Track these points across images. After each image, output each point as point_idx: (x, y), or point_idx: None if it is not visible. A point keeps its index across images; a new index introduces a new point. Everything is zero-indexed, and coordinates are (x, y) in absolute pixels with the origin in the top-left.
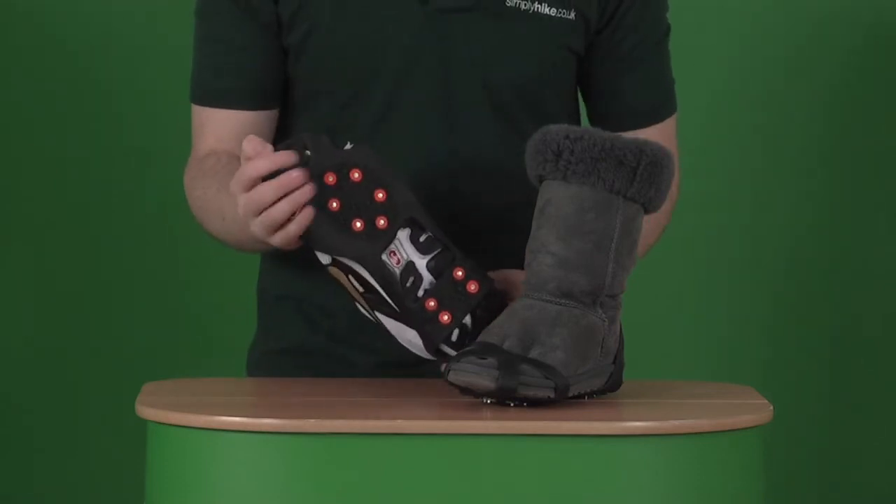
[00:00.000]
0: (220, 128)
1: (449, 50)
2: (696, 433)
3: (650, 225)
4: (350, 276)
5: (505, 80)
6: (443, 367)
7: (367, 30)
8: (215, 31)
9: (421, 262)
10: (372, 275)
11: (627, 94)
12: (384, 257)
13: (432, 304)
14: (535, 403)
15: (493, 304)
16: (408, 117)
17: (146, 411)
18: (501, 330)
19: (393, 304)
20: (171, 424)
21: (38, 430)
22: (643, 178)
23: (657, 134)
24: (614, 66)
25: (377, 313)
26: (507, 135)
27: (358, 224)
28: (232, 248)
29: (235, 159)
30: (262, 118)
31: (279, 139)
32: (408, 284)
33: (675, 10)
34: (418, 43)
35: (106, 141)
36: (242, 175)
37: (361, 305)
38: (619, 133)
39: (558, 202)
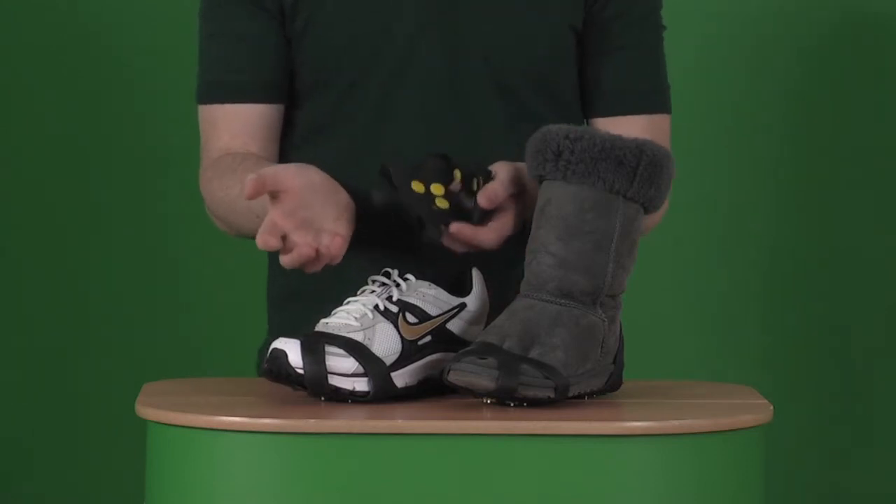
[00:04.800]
0: (233, 123)
1: (453, 31)
2: (696, 433)
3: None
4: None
5: (512, 59)
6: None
7: (370, 13)
8: (222, 26)
9: None
10: None
11: (614, 76)
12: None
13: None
14: (535, 403)
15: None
16: (413, 102)
17: (146, 411)
18: (501, 330)
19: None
20: (171, 424)
21: (39, 429)
22: (643, 178)
23: (647, 127)
24: (603, 45)
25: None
26: (515, 116)
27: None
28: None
29: (251, 155)
30: (273, 112)
31: (283, 129)
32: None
33: None
34: (422, 25)
35: (111, 141)
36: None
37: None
38: (607, 121)
39: (558, 202)
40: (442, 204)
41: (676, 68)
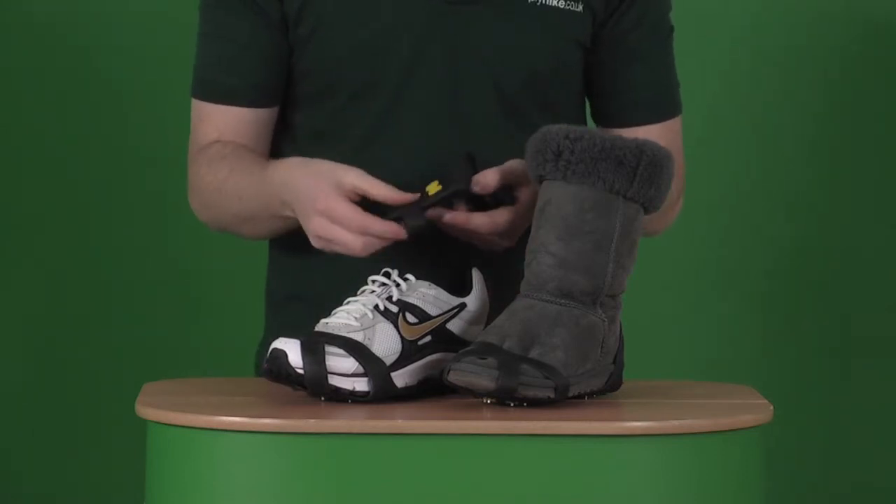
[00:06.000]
0: (223, 123)
1: (457, 43)
2: (696, 433)
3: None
4: None
5: (514, 74)
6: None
7: (374, 23)
8: (220, 26)
9: None
10: None
11: (630, 89)
12: None
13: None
14: (535, 403)
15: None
16: (414, 113)
17: (146, 411)
18: (501, 330)
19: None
20: (171, 424)
21: (39, 430)
22: (643, 178)
23: (660, 133)
24: (617, 59)
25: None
26: (515, 129)
27: None
28: (242, 235)
29: (241, 147)
30: (264, 115)
31: (283, 135)
32: None
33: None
34: (425, 37)
35: (109, 141)
36: (366, 227)
37: None
38: (621, 130)
39: (558, 202)
40: (433, 188)
41: (694, 69)
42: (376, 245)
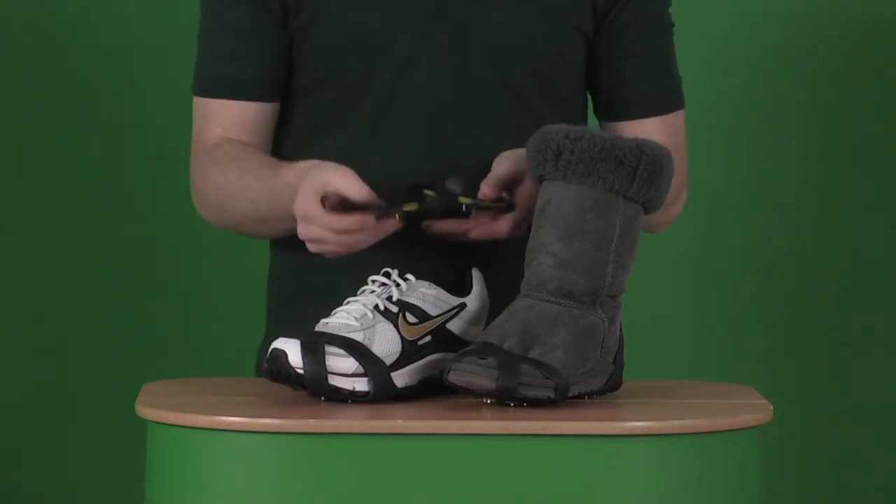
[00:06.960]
0: (228, 119)
1: (460, 32)
2: (696, 433)
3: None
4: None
5: (516, 62)
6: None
7: (375, 11)
8: (222, 21)
9: None
10: None
11: (631, 82)
12: None
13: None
14: (535, 403)
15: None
16: (416, 100)
17: (146, 411)
18: (501, 330)
19: None
20: (171, 424)
21: (39, 429)
22: (643, 178)
23: (662, 127)
24: (618, 52)
25: None
26: (522, 121)
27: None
28: (253, 235)
29: (249, 146)
30: (267, 109)
31: (280, 130)
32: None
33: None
34: (428, 25)
35: (109, 141)
36: (345, 225)
37: None
38: (622, 124)
39: (558, 202)
40: (410, 207)
41: (690, 66)
42: (348, 239)
